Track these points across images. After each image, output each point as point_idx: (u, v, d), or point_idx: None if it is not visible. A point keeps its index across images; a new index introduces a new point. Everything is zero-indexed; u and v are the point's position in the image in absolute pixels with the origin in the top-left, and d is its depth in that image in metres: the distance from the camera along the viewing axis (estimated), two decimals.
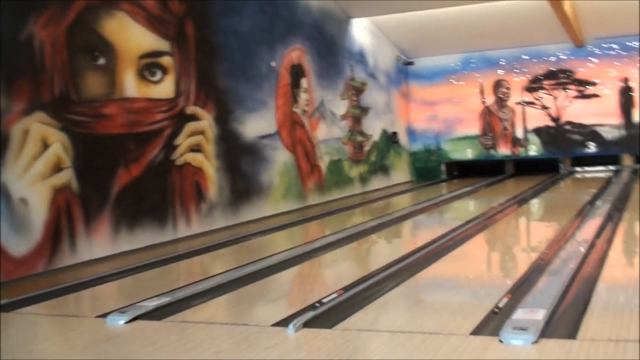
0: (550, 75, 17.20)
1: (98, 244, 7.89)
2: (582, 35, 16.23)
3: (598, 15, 14.68)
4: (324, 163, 13.51)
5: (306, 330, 4.42)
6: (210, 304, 5.54)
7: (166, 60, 9.20)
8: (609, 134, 16.83)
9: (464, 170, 18.20)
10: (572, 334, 4.03)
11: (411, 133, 18.35)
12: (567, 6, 13.71)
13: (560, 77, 17.12)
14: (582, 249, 6.60)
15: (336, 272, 7.05)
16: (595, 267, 5.91)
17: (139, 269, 7.15)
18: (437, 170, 18.16)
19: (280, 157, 11.82)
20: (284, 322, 4.58)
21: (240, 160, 10.68)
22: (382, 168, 16.37)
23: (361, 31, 15.40)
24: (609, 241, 7.21)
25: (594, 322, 4.25)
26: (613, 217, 8.86)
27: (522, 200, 11.98)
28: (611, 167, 17.07)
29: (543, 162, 17.53)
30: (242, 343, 4.26)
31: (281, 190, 11.77)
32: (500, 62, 17.53)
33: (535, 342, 3.84)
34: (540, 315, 4.29)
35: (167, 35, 9.23)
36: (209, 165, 9.92)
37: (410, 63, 18.06)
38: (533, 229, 9.81)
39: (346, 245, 8.12)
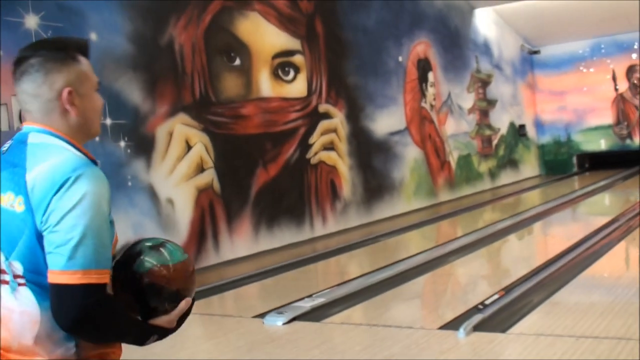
0: None
1: (240, 243, 7.91)
2: None
3: None
4: (453, 158, 13.16)
5: (477, 334, 4.19)
6: (357, 307, 5.39)
7: (298, 59, 9.16)
8: None
9: (596, 163, 17.30)
10: None
11: (539, 125, 17.65)
12: None
13: None
14: None
15: (480, 279, 6.77)
16: None
17: (280, 269, 7.08)
18: (568, 163, 17.38)
19: (411, 154, 11.59)
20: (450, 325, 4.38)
21: (372, 158, 10.52)
22: (510, 162, 15.83)
23: (484, 21, 14.93)
24: None
25: None
26: None
27: None
28: None
29: None
30: (412, 347, 4.08)
31: (412, 187, 11.53)
32: (634, 46, 16.56)
33: None
34: None
35: (297, 33, 9.19)
36: (342, 163, 9.81)
37: (535, 52, 17.39)
38: None
39: (481, 248, 7.67)
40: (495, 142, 15.09)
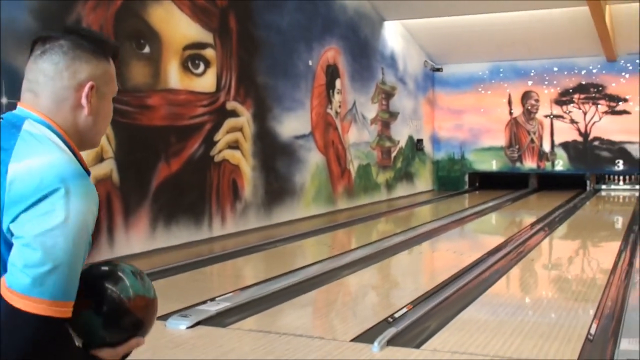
0: (580, 88, 16.86)
1: (136, 239, 7.55)
2: (616, 49, 15.89)
3: (633, 28, 14.34)
4: (353, 167, 13.18)
5: (391, 349, 4.09)
6: (262, 314, 5.20)
7: (209, 53, 8.87)
8: (638, 152, 16.47)
9: (486, 182, 17.81)
10: None
11: (435, 141, 18.00)
12: (607, 17, 13.42)
13: (591, 91, 16.78)
14: None
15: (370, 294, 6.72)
16: None
17: (176, 269, 6.77)
18: (460, 180, 17.80)
19: (313, 159, 11.50)
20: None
21: (275, 160, 10.35)
22: (406, 175, 16.04)
23: (393, 34, 15.08)
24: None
25: None
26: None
27: (552, 223, 10.97)
28: (637, 187, 16.74)
29: (570, 177, 17.15)
30: (327, 358, 3.93)
31: (312, 193, 11.44)
32: (530, 73, 17.18)
33: None
34: None
35: (210, 26, 8.90)
36: (245, 163, 9.59)
37: (438, 69, 17.73)
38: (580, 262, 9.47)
39: (380, 261, 7.53)
40: (394, 154, 15.25)
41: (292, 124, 10.80)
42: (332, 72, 12.27)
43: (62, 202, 1.36)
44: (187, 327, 4.54)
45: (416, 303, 5.31)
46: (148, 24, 7.85)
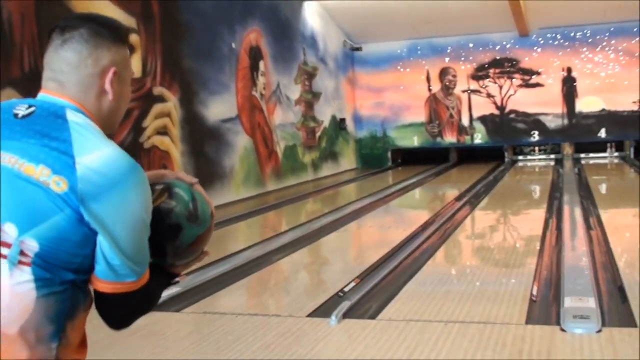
0: (495, 63, 17.35)
1: None
2: (528, 25, 16.41)
3: (544, 4, 14.84)
4: (280, 148, 13.20)
5: (349, 321, 4.18)
6: (212, 297, 5.21)
7: (133, 38, 8.69)
8: (552, 123, 17.11)
9: (408, 158, 18.13)
10: None
11: (357, 120, 18.20)
12: None
13: (505, 66, 17.29)
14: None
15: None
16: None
17: None
18: (383, 157, 18.06)
19: (241, 142, 11.46)
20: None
21: (204, 145, 10.27)
22: (331, 154, 16.18)
23: (312, 15, 15.11)
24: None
25: None
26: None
27: (477, 195, 11.16)
28: (552, 156, 17.41)
29: (488, 150, 17.66)
30: (287, 335, 3.98)
31: (241, 176, 11.41)
32: (447, 50, 17.55)
33: None
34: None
35: (132, 11, 8.73)
36: (175, 149, 9.48)
37: (357, 49, 17.89)
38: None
39: (316, 241, 7.56)
40: (318, 134, 15.35)
41: (218, 108, 10.73)
42: (255, 54, 12.23)
43: (136, 191, 1.46)
44: None
45: (363, 277, 5.42)
46: (70, 9, 7.64)
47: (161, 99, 9.22)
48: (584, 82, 16.87)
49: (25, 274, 1.38)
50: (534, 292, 4.68)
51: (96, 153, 1.44)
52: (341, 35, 17.12)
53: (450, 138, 17.83)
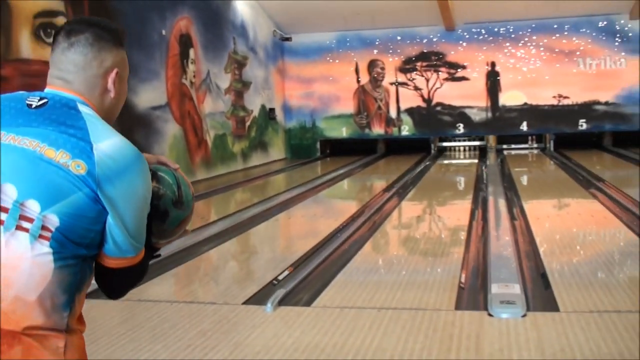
0: (422, 57, 17.65)
1: None
2: (454, 19, 16.75)
3: None
4: (210, 137, 13.14)
5: (284, 308, 4.24)
6: (146, 284, 5.19)
7: (61, 21, 8.51)
8: (477, 115, 17.54)
9: (337, 149, 18.29)
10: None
11: (287, 110, 18.24)
12: None
13: (432, 59, 17.61)
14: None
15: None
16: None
17: None
18: (312, 148, 18.16)
19: (171, 130, 11.37)
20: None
21: (134, 132, 10.14)
22: (261, 144, 16.18)
23: (242, 3, 15.05)
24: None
25: None
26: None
27: (405, 185, 11.49)
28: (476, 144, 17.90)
29: (415, 142, 17.97)
30: (223, 322, 4.01)
31: None
32: (375, 42, 17.75)
33: None
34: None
35: None
36: None
37: (287, 39, 17.90)
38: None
39: (248, 230, 7.64)
40: (248, 123, 15.33)
41: (148, 95, 10.61)
42: (185, 42, 12.12)
43: (141, 176, 1.64)
44: None
45: (296, 265, 5.49)
46: None
47: None
48: (507, 76, 17.35)
49: (45, 247, 1.52)
50: (462, 280, 4.85)
51: (109, 141, 1.61)
52: (271, 25, 17.11)
53: (378, 129, 18.06)
